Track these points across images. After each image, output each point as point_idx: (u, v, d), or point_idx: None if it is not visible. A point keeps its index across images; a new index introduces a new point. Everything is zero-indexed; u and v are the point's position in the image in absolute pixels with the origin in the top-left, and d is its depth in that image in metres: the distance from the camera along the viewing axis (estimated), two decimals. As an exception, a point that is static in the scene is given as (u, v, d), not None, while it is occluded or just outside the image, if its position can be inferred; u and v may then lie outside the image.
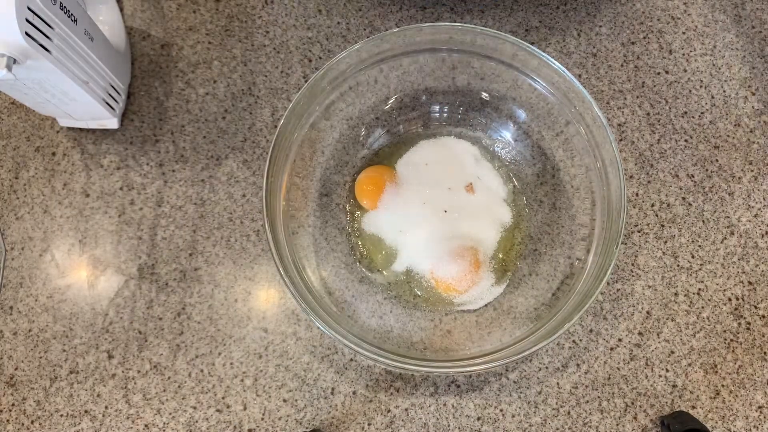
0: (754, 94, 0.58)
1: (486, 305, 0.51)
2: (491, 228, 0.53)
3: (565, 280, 0.49)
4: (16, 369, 0.50)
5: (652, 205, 0.55)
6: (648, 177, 0.56)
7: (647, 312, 0.52)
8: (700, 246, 0.54)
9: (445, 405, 0.49)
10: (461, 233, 0.52)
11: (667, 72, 0.59)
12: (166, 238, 0.53)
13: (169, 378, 0.50)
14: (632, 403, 0.49)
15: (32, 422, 0.49)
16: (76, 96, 0.48)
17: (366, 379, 0.50)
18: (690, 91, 0.58)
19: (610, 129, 0.47)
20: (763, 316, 0.52)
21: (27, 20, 0.39)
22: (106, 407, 0.49)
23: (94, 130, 0.56)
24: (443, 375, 0.50)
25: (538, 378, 0.50)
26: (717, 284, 0.53)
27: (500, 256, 0.52)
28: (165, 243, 0.53)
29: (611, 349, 0.51)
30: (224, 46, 0.59)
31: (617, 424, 0.49)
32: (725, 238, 0.54)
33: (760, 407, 0.50)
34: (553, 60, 0.49)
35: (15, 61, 0.40)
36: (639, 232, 0.54)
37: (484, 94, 0.54)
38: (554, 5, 0.61)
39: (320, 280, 0.49)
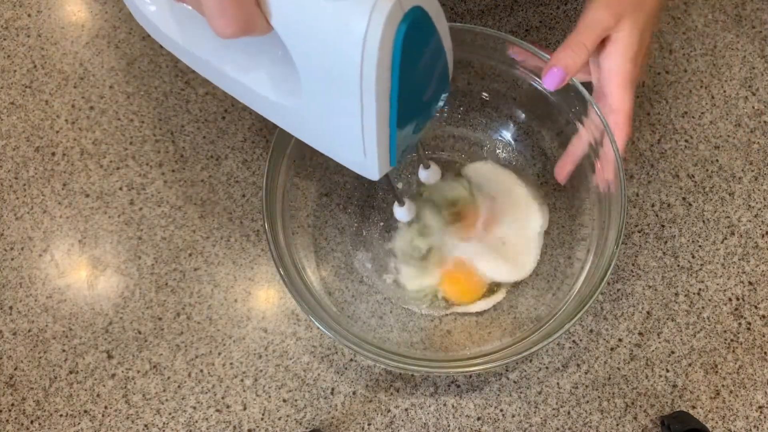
0: (754, 94, 0.58)
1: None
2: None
3: (565, 280, 0.49)
4: (15, 369, 0.50)
5: (653, 205, 0.55)
6: (648, 177, 0.55)
7: (647, 312, 0.52)
8: (700, 246, 0.54)
9: (445, 405, 0.49)
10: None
11: (667, 72, 0.59)
12: (166, 238, 0.53)
13: (168, 378, 0.50)
14: (632, 403, 0.49)
15: (32, 422, 0.49)
16: None
17: (366, 379, 0.50)
18: (690, 91, 0.58)
19: (610, 129, 0.47)
20: (764, 316, 0.52)
21: None
22: (106, 407, 0.49)
23: (93, 130, 0.56)
24: (443, 375, 0.50)
25: (538, 378, 0.50)
26: (717, 284, 0.53)
27: (500, 256, 0.52)
28: (165, 243, 0.53)
29: (611, 349, 0.51)
30: (224, 46, 0.59)
31: (617, 424, 0.49)
32: (726, 238, 0.54)
33: (760, 407, 0.50)
34: (553, 60, 0.49)
35: None
36: (639, 232, 0.54)
37: (484, 94, 0.54)
38: (554, 5, 0.61)
39: (320, 280, 0.49)
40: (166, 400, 0.49)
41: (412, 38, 0.28)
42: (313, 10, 0.27)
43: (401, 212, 0.46)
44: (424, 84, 0.32)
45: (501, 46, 0.50)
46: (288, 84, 0.33)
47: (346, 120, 0.31)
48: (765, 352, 0.51)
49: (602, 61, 0.45)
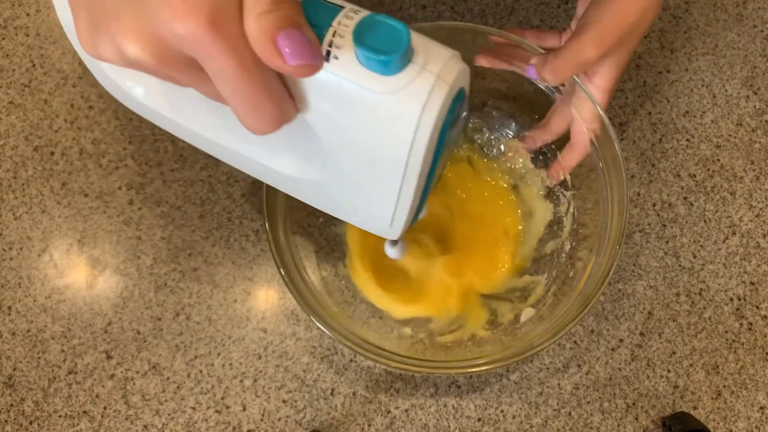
0: (755, 93, 0.58)
1: (486, 305, 0.51)
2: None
3: (566, 281, 0.49)
4: (14, 369, 0.50)
5: (654, 205, 0.54)
6: (649, 176, 0.55)
7: (649, 312, 0.51)
8: (701, 246, 0.53)
9: (445, 406, 0.49)
10: None
11: (668, 71, 0.59)
12: (165, 238, 0.53)
13: (167, 379, 0.49)
14: (633, 404, 0.49)
15: (31, 423, 0.49)
16: None
17: (366, 379, 0.50)
18: (692, 90, 0.58)
19: (611, 128, 0.47)
20: (765, 317, 0.52)
21: None
22: (105, 408, 0.49)
23: (92, 129, 0.56)
24: (444, 376, 0.49)
25: (539, 379, 0.50)
26: (719, 284, 0.52)
27: (501, 256, 0.52)
28: (164, 243, 0.53)
29: (612, 349, 0.50)
30: (223, 45, 0.58)
31: (618, 425, 0.49)
32: (727, 238, 0.54)
33: (761, 408, 0.49)
34: (554, 59, 0.49)
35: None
36: (640, 231, 0.54)
37: (485, 95, 0.54)
38: (555, 4, 0.61)
39: (320, 280, 0.49)
40: (166, 400, 0.49)
41: (454, 118, 0.28)
42: (359, 101, 0.26)
43: (393, 251, 0.45)
44: (448, 147, 0.32)
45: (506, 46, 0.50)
46: (309, 161, 0.32)
47: (378, 195, 0.31)
48: (766, 353, 0.51)
49: (578, 92, 0.46)
